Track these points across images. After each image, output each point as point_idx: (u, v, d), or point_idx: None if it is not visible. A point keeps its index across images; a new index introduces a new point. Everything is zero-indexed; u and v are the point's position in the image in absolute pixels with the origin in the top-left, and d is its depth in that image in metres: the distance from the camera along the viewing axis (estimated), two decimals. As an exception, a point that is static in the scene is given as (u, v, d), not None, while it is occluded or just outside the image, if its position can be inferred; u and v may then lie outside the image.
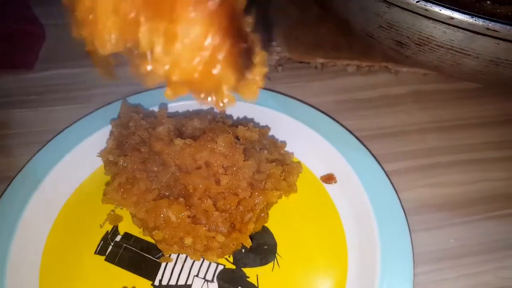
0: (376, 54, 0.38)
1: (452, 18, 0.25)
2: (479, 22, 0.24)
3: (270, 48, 0.39)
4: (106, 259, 0.27)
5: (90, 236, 0.28)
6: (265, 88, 0.36)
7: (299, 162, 0.31)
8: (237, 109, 0.33)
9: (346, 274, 0.26)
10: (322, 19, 0.40)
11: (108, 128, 0.31)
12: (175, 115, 0.31)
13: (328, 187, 0.31)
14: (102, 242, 0.28)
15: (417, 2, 0.25)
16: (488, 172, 0.32)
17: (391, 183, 0.29)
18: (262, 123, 0.33)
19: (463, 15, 0.24)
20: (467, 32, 0.25)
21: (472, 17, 0.24)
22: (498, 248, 0.28)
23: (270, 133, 0.33)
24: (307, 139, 0.32)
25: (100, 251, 0.27)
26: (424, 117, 0.36)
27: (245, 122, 0.31)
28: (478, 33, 0.25)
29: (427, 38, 0.27)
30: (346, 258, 0.27)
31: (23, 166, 0.30)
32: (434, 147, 0.34)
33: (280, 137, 0.33)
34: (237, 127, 0.29)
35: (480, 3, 0.32)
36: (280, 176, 0.28)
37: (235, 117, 0.33)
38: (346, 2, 0.30)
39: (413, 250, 0.26)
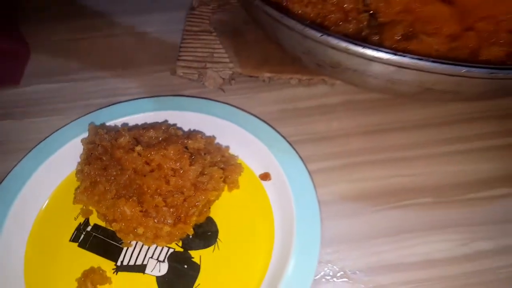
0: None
1: (348, 48, 0.31)
2: (367, 51, 0.30)
3: (223, 64, 0.46)
4: (78, 245, 0.33)
5: (66, 227, 0.34)
6: (216, 100, 0.42)
7: (241, 163, 0.38)
8: (189, 119, 0.39)
9: (271, 253, 0.33)
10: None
11: (83, 135, 0.37)
12: (134, 126, 0.38)
13: (264, 183, 0.37)
14: (76, 231, 0.34)
15: (321, 36, 0.31)
16: (397, 169, 0.38)
17: (312, 179, 0.35)
18: (211, 130, 0.39)
19: (356, 46, 0.30)
20: (363, 59, 0.32)
21: (362, 47, 0.30)
22: (398, 232, 0.35)
23: (218, 138, 0.39)
24: (248, 143, 0.38)
25: (74, 239, 0.34)
26: (352, 123, 0.42)
27: (194, 133, 0.37)
28: (371, 60, 0.31)
29: (337, 62, 0.34)
30: (273, 240, 0.33)
31: (11, 170, 0.36)
32: (356, 149, 0.40)
33: (226, 142, 0.39)
34: (187, 136, 0.36)
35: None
36: (220, 178, 0.34)
37: (186, 127, 0.39)
38: (274, 31, 0.37)
39: (322, 233, 0.32)
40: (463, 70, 0.28)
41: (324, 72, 0.37)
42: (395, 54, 0.29)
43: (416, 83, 0.32)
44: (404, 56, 0.29)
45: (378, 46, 0.30)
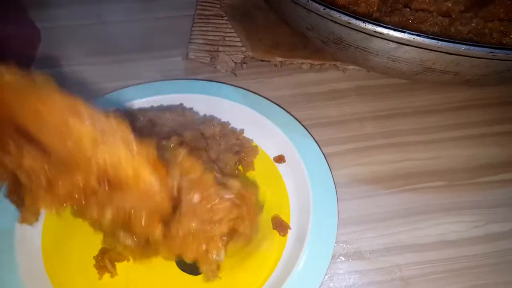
0: (326, 54, 0.44)
1: (349, 22, 0.31)
2: (368, 26, 0.30)
3: (235, 48, 0.46)
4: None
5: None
6: (230, 84, 0.42)
7: (256, 146, 0.38)
8: (204, 102, 0.39)
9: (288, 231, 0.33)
10: (282, 22, 0.46)
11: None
12: (150, 109, 0.38)
13: (279, 166, 0.37)
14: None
15: (324, 9, 0.31)
16: (410, 153, 0.39)
17: (327, 162, 0.36)
18: (225, 113, 0.39)
19: (356, 20, 0.30)
20: (364, 34, 0.31)
21: (363, 22, 0.30)
22: (412, 213, 0.35)
23: (233, 122, 0.39)
24: (263, 127, 0.38)
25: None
26: (364, 108, 0.42)
27: (210, 119, 0.37)
28: (371, 35, 0.31)
29: (339, 38, 0.34)
30: (288, 220, 0.34)
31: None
32: (369, 133, 0.40)
33: (240, 125, 0.39)
34: (203, 122, 0.36)
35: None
36: (235, 165, 0.34)
37: (201, 111, 0.39)
38: (281, 7, 0.37)
39: (338, 214, 0.33)
40: (462, 48, 0.29)
41: (329, 50, 0.37)
42: (395, 30, 0.30)
43: (416, 61, 0.32)
44: (403, 31, 0.29)
45: (378, 22, 0.30)
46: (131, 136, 0.23)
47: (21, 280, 0.30)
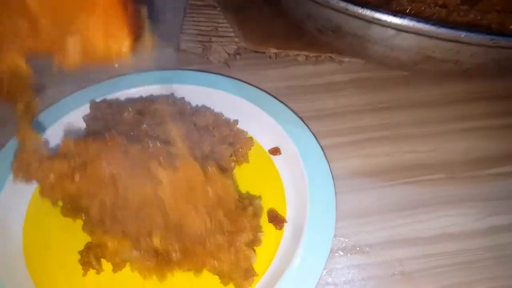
0: (322, 46, 0.43)
1: (347, 9, 0.30)
2: (366, 12, 0.29)
3: (229, 38, 0.44)
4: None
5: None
6: (223, 74, 0.41)
7: (251, 138, 0.37)
8: (196, 94, 0.38)
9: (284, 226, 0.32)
10: (276, 13, 0.45)
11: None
12: (139, 99, 0.36)
13: (274, 158, 0.36)
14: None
15: None
16: (409, 145, 0.38)
17: (324, 154, 0.34)
18: (218, 105, 0.38)
19: (354, 6, 0.29)
20: (362, 20, 0.30)
21: (361, 8, 0.29)
22: (412, 206, 0.34)
23: (226, 113, 0.38)
24: (258, 118, 0.37)
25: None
26: (361, 100, 0.41)
27: (203, 109, 0.36)
28: (369, 22, 0.30)
29: (337, 26, 0.33)
30: (284, 213, 0.32)
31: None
32: (367, 125, 0.39)
33: (234, 117, 0.37)
34: (195, 112, 0.34)
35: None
36: (230, 156, 0.33)
37: (194, 102, 0.38)
38: None
39: (336, 207, 0.31)
40: (463, 34, 0.28)
41: (325, 39, 0.36)
42: (395, 15, 0.29)
43: (415, 50, 0.31)
44: (403, 17, 0.28)
45: (377, 7, 0.29)
46: None
47: None
